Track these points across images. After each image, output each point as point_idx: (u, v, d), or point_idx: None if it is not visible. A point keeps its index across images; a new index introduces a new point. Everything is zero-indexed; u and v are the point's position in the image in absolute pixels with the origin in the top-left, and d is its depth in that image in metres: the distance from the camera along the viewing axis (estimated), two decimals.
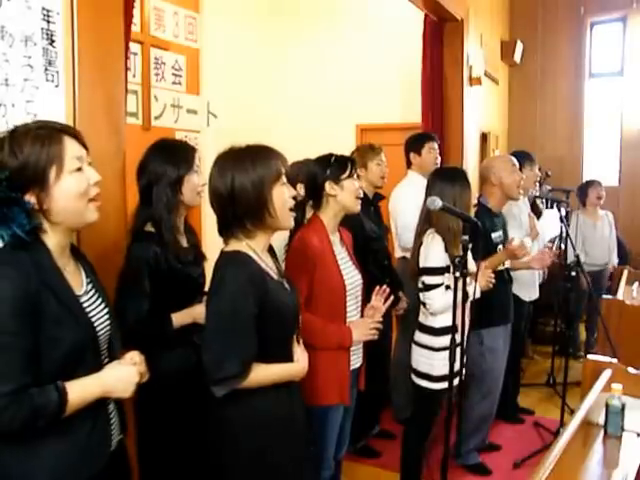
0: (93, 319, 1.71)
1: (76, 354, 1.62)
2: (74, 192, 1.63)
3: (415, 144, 4.53)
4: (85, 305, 1.70)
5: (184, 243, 2.54)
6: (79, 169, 1.64)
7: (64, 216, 1.63)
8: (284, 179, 2.06)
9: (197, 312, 2.42)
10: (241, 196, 1.98)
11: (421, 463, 3.35)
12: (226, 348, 1.95)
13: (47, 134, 1.62)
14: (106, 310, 1.79)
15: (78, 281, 1.73)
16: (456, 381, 2.86)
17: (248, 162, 1.99)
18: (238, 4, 6.54)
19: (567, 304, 4.84)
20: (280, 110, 7.17)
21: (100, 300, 1.78)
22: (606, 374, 2.80)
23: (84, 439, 1.66)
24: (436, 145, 4.55)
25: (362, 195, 2.86)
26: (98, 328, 1.72)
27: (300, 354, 2.18)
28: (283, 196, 2.04)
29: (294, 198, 2.11)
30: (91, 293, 1.75)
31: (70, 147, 1.64)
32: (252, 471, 2.03)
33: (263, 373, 2.03)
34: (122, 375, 1.71)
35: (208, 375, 1.97)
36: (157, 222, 2.42)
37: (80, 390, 1.61)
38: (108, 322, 1.78)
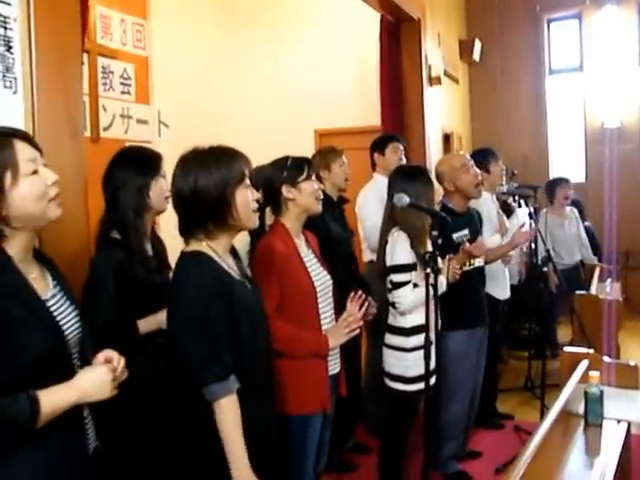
0: (61, 323, 1.66)
1: (45, 360, 1.57)
2: (33, 195, 1.60)
3: (379, 144, 4.54)
4: (52, 309, 1.66)
5: (149, 251, 2.51)
6: (35, 172, 1.61)
7: (24, 221, 1.60)
8: (247, 181, 2.05)
9: (162, 318, 2.35)
10: (204, 197, 1.97)
11: (400, 476, 3.26)
12: (210, 350, 1.90)
13: None
14: (75, 313, 1.74)
15: (44, 286, 1.70)
16: (432, 381, 2.85)
17: (212, 163, 1.99)
18: (188, 10, 6.38)
19: (541, 301, 4.77)
20: (236, 117, 6.98)
21: (68, 303, 1.74)
22: (583, 364, 2.83)
23: (58, 449, 1.60)
24: (401, 146, 4.53)
25: (322, 196, 2.81)
26: (67, 332, 1.67)
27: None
28: (246, 198, 2.03)
29: (257, 201, 2.11)
30: (58, 297, 1.71)
31: (22, 150, 1.60)
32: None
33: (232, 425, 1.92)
34: (95, 377, 1.63)
35: (195, 380, 1.92)
36: (124, 227, 2.39)
37: (53, 398, 1.53)
38: (78, 325, 1.73)
